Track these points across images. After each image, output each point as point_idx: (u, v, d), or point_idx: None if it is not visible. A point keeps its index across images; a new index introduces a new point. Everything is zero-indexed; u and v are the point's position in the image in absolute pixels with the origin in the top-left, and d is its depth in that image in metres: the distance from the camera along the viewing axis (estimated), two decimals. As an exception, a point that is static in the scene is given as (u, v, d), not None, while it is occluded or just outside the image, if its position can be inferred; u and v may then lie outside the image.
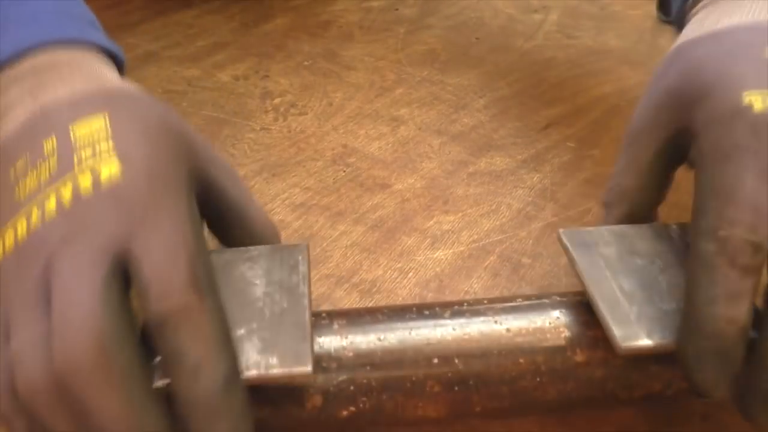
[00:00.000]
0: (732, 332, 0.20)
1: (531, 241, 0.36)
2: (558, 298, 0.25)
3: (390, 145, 0.43)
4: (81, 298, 0.19)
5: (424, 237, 0.36)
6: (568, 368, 0.23)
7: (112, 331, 0.18)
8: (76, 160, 0.21)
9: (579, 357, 0.24)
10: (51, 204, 0.21)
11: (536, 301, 0.25)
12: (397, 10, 0.59)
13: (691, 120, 0.24)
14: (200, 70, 0.50)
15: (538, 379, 0.23)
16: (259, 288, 0.23)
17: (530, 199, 0.39)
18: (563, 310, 0.25)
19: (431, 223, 0.37)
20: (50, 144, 0.22)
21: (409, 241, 0.36)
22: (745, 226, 0.21)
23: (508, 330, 0.24)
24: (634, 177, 0.27)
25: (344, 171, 0.40)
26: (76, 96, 0.23)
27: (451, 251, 0.35)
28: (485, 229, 0.36)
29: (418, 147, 0.43)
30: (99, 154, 0.21)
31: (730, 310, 0.20)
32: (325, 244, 0.35)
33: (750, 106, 0.23)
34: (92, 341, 0.18)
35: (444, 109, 0.46)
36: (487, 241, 0.36)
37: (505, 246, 0.35)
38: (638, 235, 0.26)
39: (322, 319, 0.24)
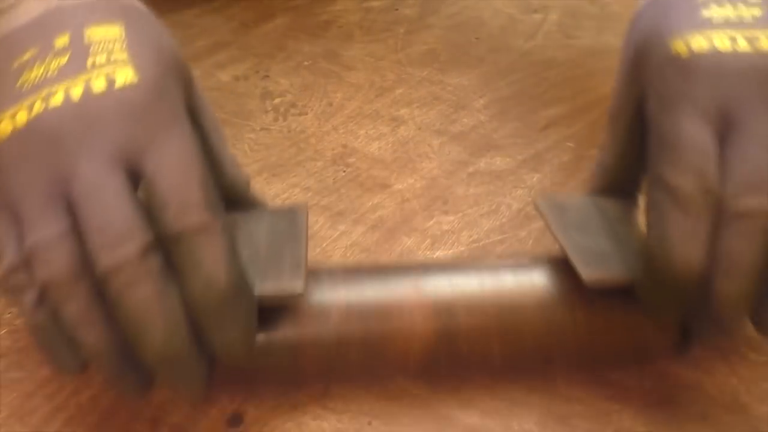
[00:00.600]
0: (686, 271, 0.22)
1: (531, 241, 0.36)
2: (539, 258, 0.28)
3: (390, 145, 0.43)
4: (115, 204, 0.20)
5: (424, 237, 0.36)
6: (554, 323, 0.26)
7: (146, 237, 0.20)
8: (90, 62, 0.22)
9: (563, 313, 0.26)
10: (58, 99, 0.21)
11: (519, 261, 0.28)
12: (397, 10, 0.59)
13: (643, 84, 0.26)
14: (200, 69, 0.50)
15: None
16: (263, 235, 0.27)
17: (530, 199, 0.39)
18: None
19: (431, 223, 0.37)
20: (63, 41, 0.22)
21: (409, 242, 0.36)
22: (691, 172, 0.22)
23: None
24: (611, 152, 0.28)
25: (344, 171, 0.40)
26: (94, 1, 0.24)
27: (450, 251, 0.35)
28: (485, 229, 0.36)
29: (418, 147, 0.43)
30: (115, 62, 0.22)
31: (684, 251, 0.22)
32: (325, 244, 0.35)
33: (679, 53, 0.24)
34: (135, 245, 0.20)
35: (444, 109, 0.46)
36: (487, 241, 0.36)
37: (505, 246, 0.35)
38: (605, 200, 0.29)
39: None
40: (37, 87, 0.21)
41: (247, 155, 0.42)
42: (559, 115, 0.46)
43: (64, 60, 0.22)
